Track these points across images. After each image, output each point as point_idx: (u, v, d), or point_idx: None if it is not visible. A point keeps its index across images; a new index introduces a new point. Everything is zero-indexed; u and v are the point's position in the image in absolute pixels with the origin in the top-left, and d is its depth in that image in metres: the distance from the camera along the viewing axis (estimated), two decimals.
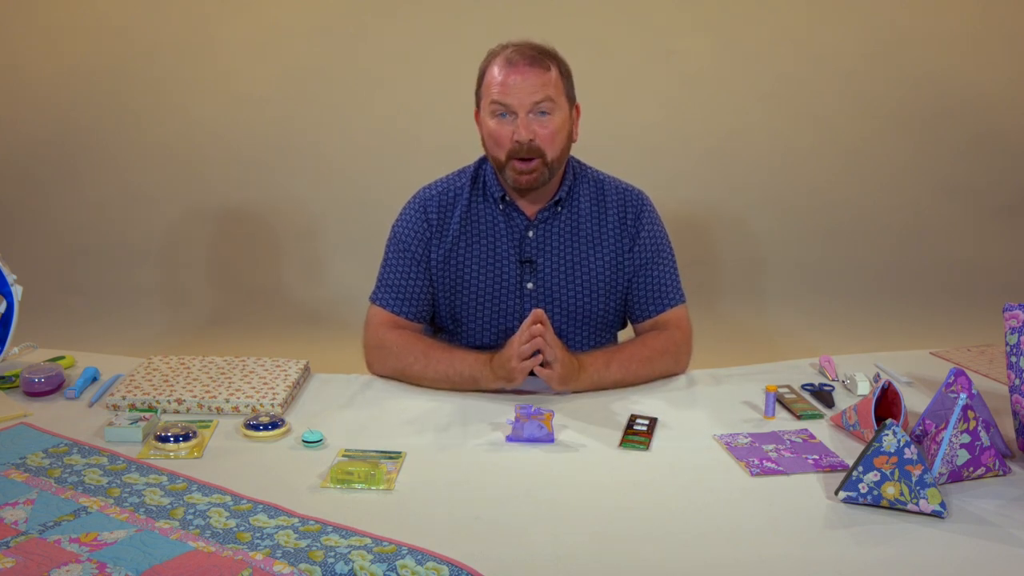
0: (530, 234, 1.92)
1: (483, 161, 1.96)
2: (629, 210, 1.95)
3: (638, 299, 1.96)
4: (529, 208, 1.92)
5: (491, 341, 1.94)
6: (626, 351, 1.87)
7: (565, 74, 1.86)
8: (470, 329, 1.95)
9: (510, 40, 1.86)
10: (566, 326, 1.94)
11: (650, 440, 1.59)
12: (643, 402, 1.77)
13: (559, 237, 1.93)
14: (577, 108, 1.91)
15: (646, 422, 1.66)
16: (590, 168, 2.00)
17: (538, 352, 1.70)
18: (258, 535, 1.26)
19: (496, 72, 1.81)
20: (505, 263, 1.92)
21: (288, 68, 3.86)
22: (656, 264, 1.96)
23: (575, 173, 1.95)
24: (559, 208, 1.92)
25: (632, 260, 1.94)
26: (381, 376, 1.91)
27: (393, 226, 1.98)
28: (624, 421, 1.67)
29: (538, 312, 1.70)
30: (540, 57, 1.82)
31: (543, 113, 1.81)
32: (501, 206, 1.92)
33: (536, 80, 1.79)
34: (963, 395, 1.42)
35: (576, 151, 1.96)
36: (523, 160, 1.81)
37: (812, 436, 1.61)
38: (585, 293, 1.93)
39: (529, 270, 1.92)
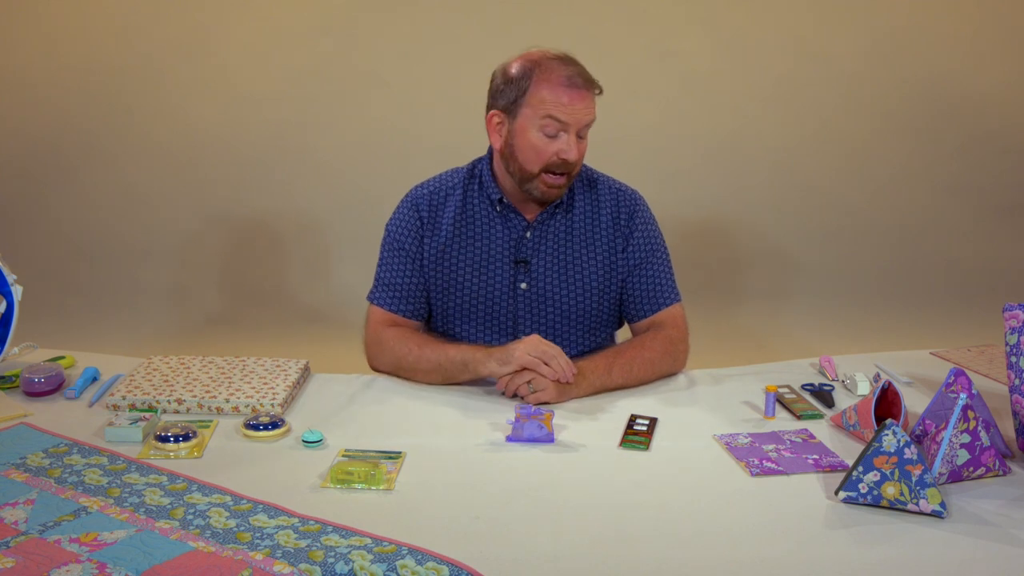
0: (528, 235, 1.92)
1: (478, 162, 1.97)
2: (622, 209, 1.96)
3: (634, 299, 1.96)
4: (529, 212, 1.93)
5: (483, 341, 1.95)
6: (626, 355, 1.86)
7: None
8: (463, 328, 1.95)
9: (548, 51, 1.84)
10: (561, 326, 1.94)
11: (650, 440, 1.59)
12: (643, 402, 1.77)
13: (554, 237, 1.93)
14: None
15: (646, 422, 1.66)
16: (584, 166, 2.00)
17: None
18: (258, 535, 1.26)
19: (557, 90, 1.79)
20: (499, 264, 1.92)
21: (288, 68, 3.86)
22: (651, 264, 1.96)
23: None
24: (557, 211, 1.93)
25: (626, 260, 1.95)
26: (380, 371, 1.92)
27: (387, 225, 1.99)
28: (624, 421, 1.67)
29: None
30: (594, 81, 1.84)
31: (581, 136, 1.84)
32: (498, 208, 1.92)
33: (590, 103, 1.83)
34: (963, 395, 1.42)
35: None
36: (556, 175, 1.83)
37: (812, 436, 1.61)
38: (578, 293, 1.93)
39: (523, 270, 1.92)
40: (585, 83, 1.81)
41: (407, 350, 1.86)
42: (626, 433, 1.61)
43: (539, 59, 1.83)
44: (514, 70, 1.84)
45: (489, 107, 1.88)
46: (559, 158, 1.80)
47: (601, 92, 1.85)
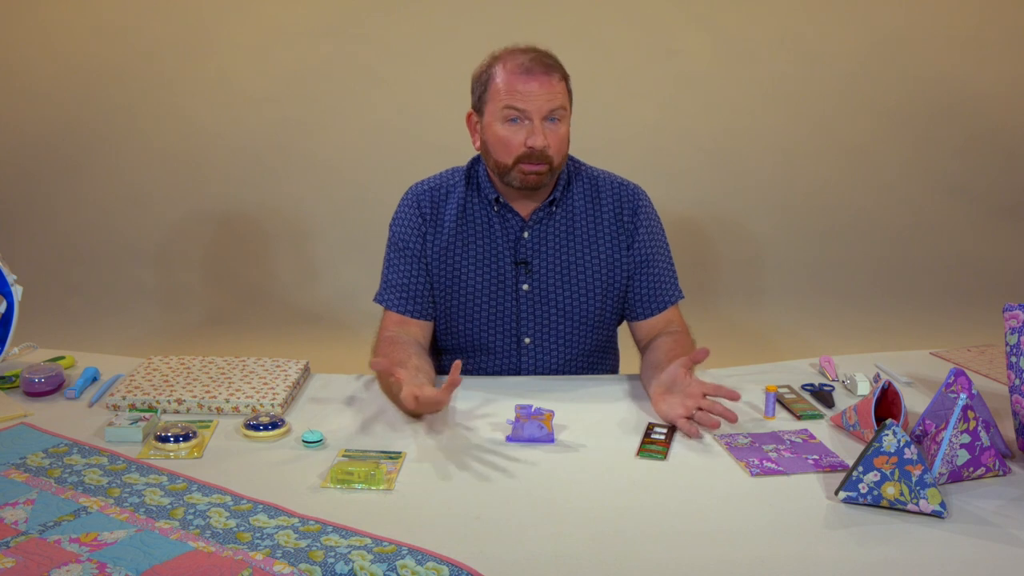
0: (525, 235, 1.92)
1: (475, 162, 1.96)
2: (626, 206, 1.95)
3: (639, 297, 1.95)
4: (524, 209, 1.92)
5: (485, 342, 1.94)
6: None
7: (568, 83, 1.87)
8: (466, 328, 1.95)
9: (515, 44, 1.85)
10: (564, 326, 1.94)
11: (668, 449, 1.55)
12: (643, 402, 1.76)
13: (554, 238, 1.92)
14: None
15: (664, 431, 1.61)
16: (584, 165, 1.99)
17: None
18: (258, 535, 1.26)
19: (510, 78, 1.79)
20: (500, 265, 1.92)
21: (288, 68, 3.86)
22: (656, 261, 1.96)
23: (569, 173, 1.95)
24: (554, 208, 1.92)
25: (632, 257, 1.94)
26: None
27: (390, 225, 1.99)
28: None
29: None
30: (555, 65, 1.82)
31: (553, 120, 1.81)
32: (496, 207, 1.92)
33: (552, 88, 1.80)
34: (963, 395, 1.42)
35: (576, 151, 1.96)
36: (532, 163, 1.81)
37: (812, 436, 1.61)
38: (581, 293, 1.93)
39: (524, 272, 1.92)
40: (542, 68, 1.80)
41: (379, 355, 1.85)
42: (643, 442, 1.58)
43: (501, 52, 1.85)
44: (480, 68, 1.86)
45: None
46: (527, 147, 1.79)
47: (565, 78, 1.83)
